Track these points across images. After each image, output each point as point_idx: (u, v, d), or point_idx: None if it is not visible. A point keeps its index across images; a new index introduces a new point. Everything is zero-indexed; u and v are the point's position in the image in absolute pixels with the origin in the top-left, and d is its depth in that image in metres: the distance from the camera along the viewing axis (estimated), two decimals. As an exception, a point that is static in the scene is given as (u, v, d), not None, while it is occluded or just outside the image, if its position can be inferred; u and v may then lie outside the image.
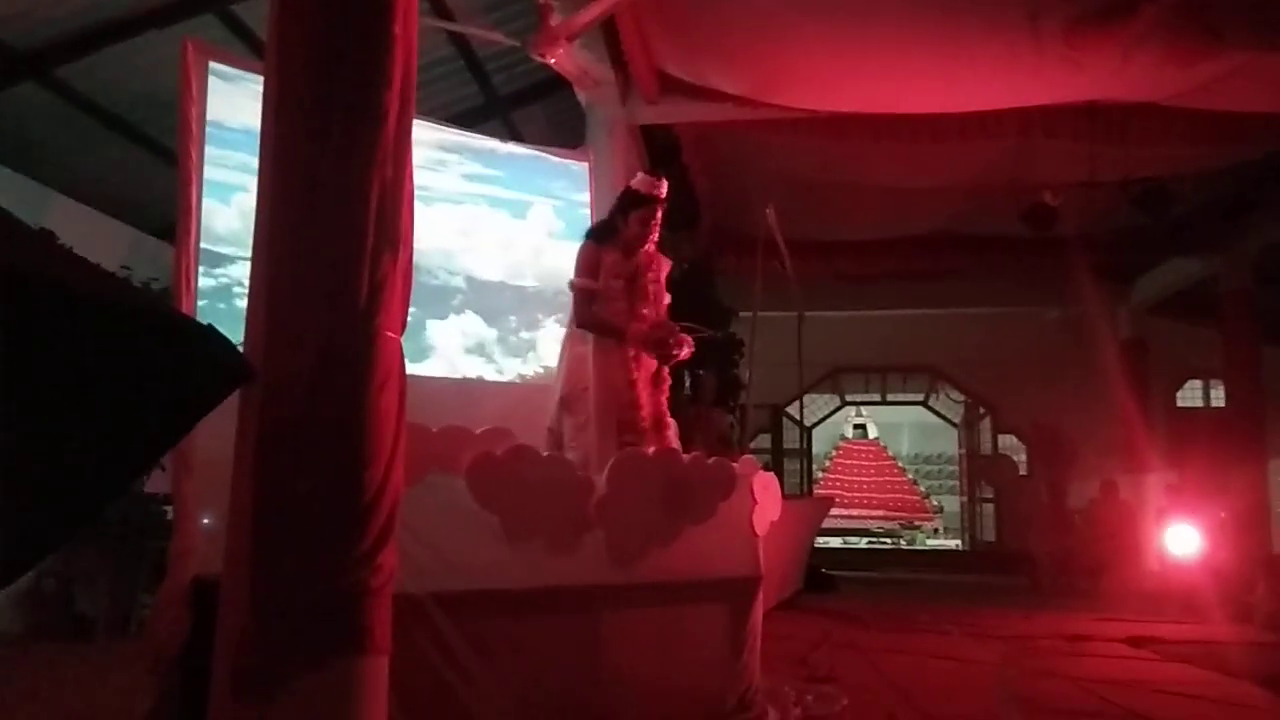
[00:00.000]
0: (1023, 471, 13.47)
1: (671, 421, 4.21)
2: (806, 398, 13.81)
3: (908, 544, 15.39)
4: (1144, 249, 11.18)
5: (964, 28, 5.75)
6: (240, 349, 2.18)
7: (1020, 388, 13.08)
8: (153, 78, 6.12)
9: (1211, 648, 5.83)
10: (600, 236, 4.24)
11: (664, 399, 4.20)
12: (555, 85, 7.95)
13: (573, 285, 4.15)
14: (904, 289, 12.45)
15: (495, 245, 5.65)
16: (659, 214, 4.17)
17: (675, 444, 4.14)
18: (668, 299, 4.28)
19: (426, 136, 5.22)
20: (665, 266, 4.33)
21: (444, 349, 5.36)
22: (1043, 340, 13.14)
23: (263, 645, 1.95)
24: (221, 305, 4.17)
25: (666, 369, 4.21)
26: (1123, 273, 12.41)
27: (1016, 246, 10.68)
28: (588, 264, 4.14)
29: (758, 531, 3.62)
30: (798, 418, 14.10)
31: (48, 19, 5.69)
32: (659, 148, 9.21)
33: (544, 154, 6.35)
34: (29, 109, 6.16)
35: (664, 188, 4.26)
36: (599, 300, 4.11)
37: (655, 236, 4.21)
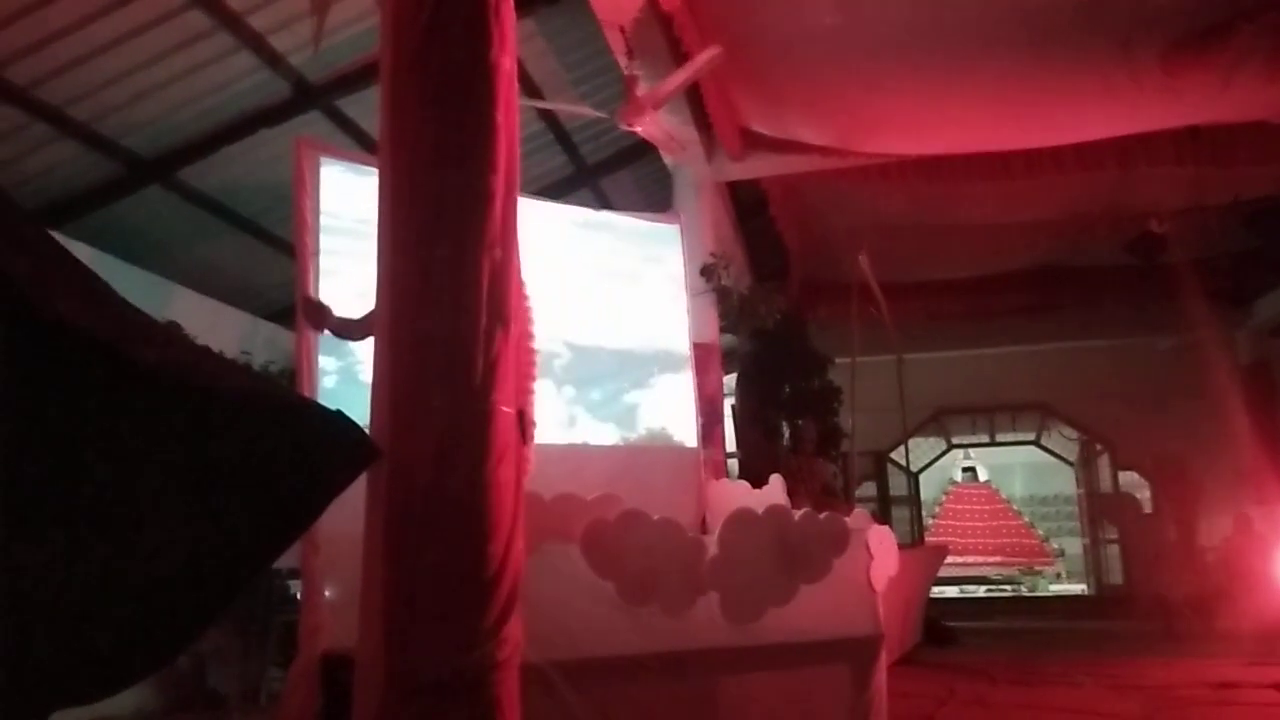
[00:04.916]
0: (1147, 509, 12.83)
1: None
2: (911, 442, 13.45)
3: (1029, 590, 14.73)
4: (1261, 271, 10.69)
5: (1056, 63, 5.67)
6: (366, 430, 2.26)
7: (1138, 421, 12.50)
8: (265, 173, 6.49)
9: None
10: None
11: None
12: (641, 150, 8.13)
13: None
14: (1008, 326, 12.13)
15: (596, 311, 5.74)
16: None
17: None
18: None
19: (528, 211, 5.37)
20: None
21: (548, 415, 5.45)
22: (1158, 371, 12.57)
23: (398, 721, 2.00)
24: (351, 387, 4.32)
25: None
26: (1239, 296, 11.87)
27: (1123, 276, 10.35)
28: None
29: (875, 588, 3.55)
30: (903, 463, 13.76)
31: (170, 126, 6.11)
32: (746, 204, 9.30)
33: (636, 219, 6.47)
34: (154, 210, 6.58)
35: None
36: None
37: None
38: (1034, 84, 5.91)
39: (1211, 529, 10.78)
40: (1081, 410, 13.47)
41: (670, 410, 5.91)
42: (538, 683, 2.69)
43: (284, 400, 2.62)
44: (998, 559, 15.15)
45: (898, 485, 13.69)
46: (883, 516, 11.86)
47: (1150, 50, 5.42)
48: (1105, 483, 13.71)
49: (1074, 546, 14.98)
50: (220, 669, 5.92)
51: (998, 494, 15.99)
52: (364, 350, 4.35)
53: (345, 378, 4.44)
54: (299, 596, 5.15)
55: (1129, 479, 13.38)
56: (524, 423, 3.64)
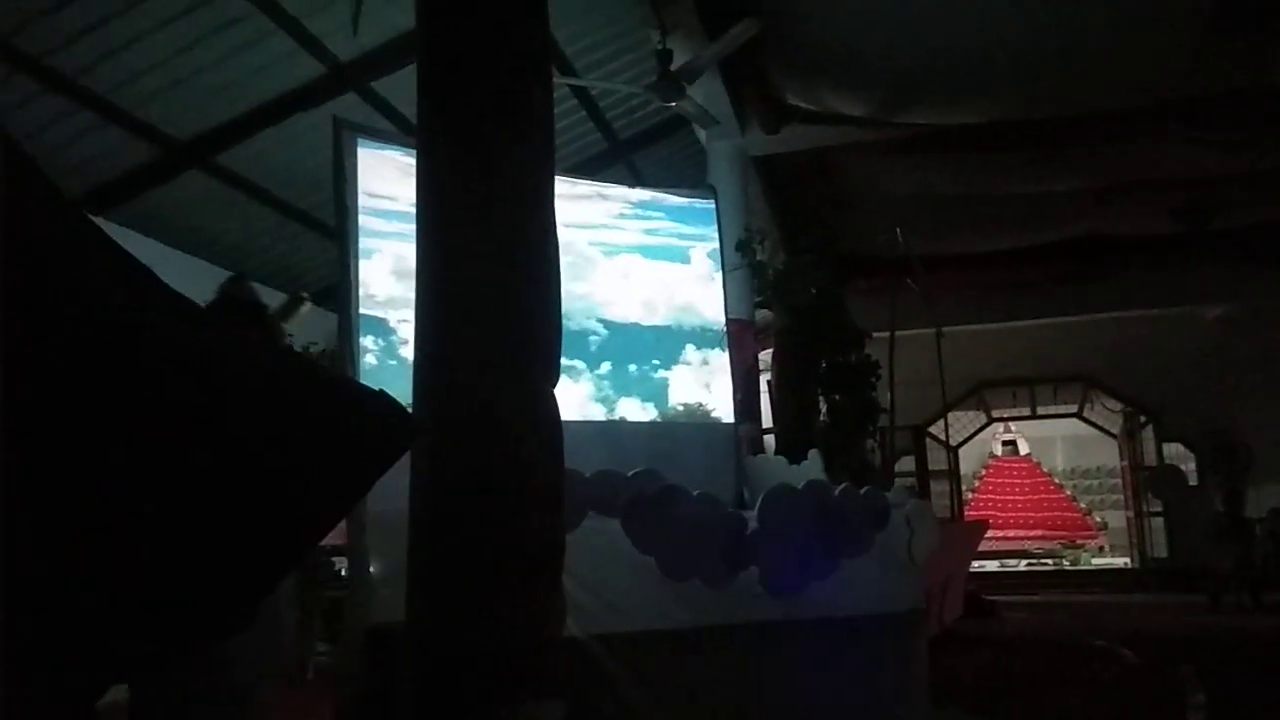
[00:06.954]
0: (1192, 481, 12.65)
1: None
2: (950, 416, 13.33)
3: (1071, 564, 14.61)
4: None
5: (1098, 28, 5.54)
6: (408, 410, 2.29)
7: (1184, 392, 12.30)
8: (303, 156, 6.54)
9: None
10: None
11: None
12: (674, 125, 8.08)
13: None
14: (1050, 296, 11.94)
15: (632, 288, 5.75)
16: None
17: None
18: None
19: (569, 191, 5.36)
20: None
21: (586, 392, 5.48)
22: (1205, 340, 12.35)
23: (446, 694, 2.04)
24: (392, 362, 4.39)
25: None
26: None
27: (1169, 244, 10.14)
28: None
29: (916, 562, 3.54)
30: (942, 438, 13.64)
31: (208, 111, 6.17)
32: (781, 178, 9.22)
33: (672, 195, 6.45)
34: (194, 193, 6.67)
35: None
36: None
37: None
38: (1075, 50, 5.79)
39: (1259, 500, 10.62)
40: (1125, 382, 13.28)
41: (707, 386, 5.91)
42: (581, 656, 2.72)
43: (325, 380, 2.66)
44: (1039, 533, 15.00)
45: (937, 459, 13.60)
46: (921, 491, 11.80)
47: (1195, 13, 5.29)
48: (1149, 455, 13.53)
49: (1118, 519, 14.82)
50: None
51: (1039, 467, 15.82)
52: (405, 329, 4.41)
53: (386, 356, 4.50)
54: (344, 573, 5.24)
55: (1174, 450, 13.19)
56: None
